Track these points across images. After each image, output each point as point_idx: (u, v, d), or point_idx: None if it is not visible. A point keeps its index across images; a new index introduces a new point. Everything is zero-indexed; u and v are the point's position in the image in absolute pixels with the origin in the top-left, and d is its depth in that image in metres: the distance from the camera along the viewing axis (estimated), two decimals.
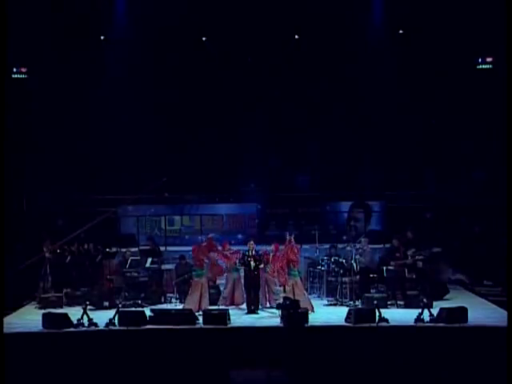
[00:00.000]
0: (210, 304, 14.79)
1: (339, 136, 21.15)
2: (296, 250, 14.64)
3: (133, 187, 20.20)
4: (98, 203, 19.70)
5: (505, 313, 13.53)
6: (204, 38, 20.80)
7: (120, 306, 14.23)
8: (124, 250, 16.93)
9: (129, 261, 16.08)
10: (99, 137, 20.45)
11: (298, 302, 13.11)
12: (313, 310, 14.39)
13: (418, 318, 13.24)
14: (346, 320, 13.39)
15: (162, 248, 17.99)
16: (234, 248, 15.75)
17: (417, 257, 15.48)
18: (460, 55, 19.97)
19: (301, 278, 15.12)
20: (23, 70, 20.06)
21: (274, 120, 21.38)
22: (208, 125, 21.23)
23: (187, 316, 13.45)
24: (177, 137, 21.27)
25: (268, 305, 15.09)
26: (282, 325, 12.93)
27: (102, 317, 13.56)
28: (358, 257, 15.59)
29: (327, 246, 16.77)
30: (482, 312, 14.17)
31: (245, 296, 15.06)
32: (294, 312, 11.38)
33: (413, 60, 20.26)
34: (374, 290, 15.56)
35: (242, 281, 15.11)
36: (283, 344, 12.18)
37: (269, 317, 14.17)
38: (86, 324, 13.28)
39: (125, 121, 20.53)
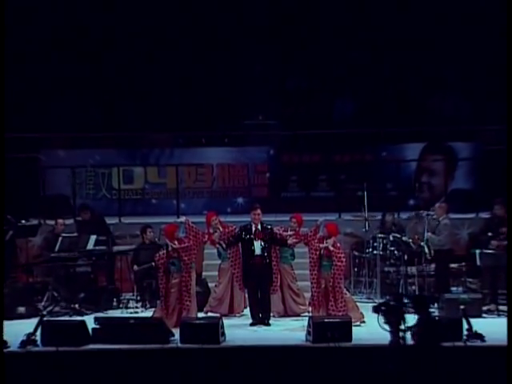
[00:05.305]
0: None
1: (400, 35, 21.20)
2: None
3: (66, 121, 20.26)
4: (13, 145, 19.48)
5: None
6: None
7: (45, 313, 14.39)
8: (51, 222, 17.05)
9: (59, 240, 16.15)
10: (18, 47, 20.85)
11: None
12: (362, 320, 14.54)
13: None
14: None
15: (113, 220, 18.08)
16: (228, 220, 16.06)
17: None
18: None
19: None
20: None
21: (290, 15, 21.48)
22: (190, 23, 21.55)
23: (156, 329, 13.42)
24: (141, 40, 21.74)
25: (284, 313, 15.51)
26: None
27: (16, 331, 13.45)
28: (431, 234, 15.71)
29: (381, 215, 17.19)
30: None
31: (247, 298, 15.31)
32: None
33: None
34: (460, 288, 15.88)
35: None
36: (312, 372, 12.25)
37: (288, 331, 14.27)
38: None
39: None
